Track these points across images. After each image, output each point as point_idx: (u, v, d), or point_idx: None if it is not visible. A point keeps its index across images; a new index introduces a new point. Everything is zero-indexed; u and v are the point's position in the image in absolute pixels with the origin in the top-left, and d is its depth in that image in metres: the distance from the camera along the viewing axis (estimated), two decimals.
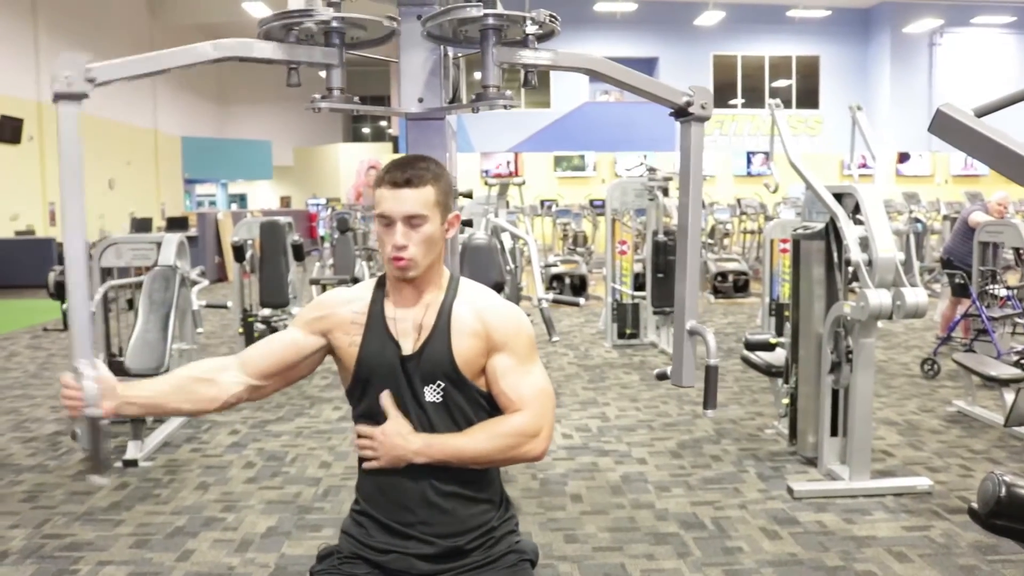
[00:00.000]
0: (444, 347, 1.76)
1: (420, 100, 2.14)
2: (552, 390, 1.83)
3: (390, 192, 1.72)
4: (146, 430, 4.87)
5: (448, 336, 1.76)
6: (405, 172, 1.72)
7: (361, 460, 1.82)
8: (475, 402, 1.79)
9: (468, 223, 4.05)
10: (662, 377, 2.49)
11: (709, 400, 2.29)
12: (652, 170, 8.28)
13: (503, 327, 1.79)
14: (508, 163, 20.82)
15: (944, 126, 2.01)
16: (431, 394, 1.76)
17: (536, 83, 1.93)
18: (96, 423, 1.76)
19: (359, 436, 1.78)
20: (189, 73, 25.84)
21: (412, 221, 1.72)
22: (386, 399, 1.75)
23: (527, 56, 1.89)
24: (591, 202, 16.79)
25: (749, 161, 21.65)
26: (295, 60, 2.04)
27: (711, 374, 2.26)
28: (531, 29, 1.89)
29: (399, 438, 1.72)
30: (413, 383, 1.76)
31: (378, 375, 1.78)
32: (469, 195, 5.58)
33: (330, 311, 1.85)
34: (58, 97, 1.88)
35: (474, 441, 1.74)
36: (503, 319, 1.80)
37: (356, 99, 1.95)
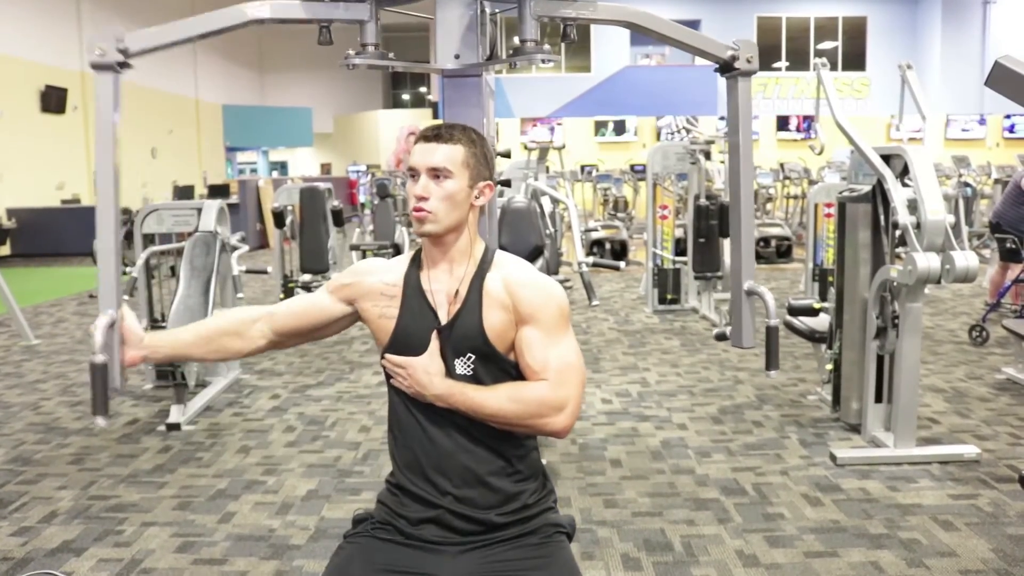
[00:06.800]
0: (475, 319, 1.72)
1: (456, 56, 2.10)
2: (582, 366, 1.77)
3: (418, 146, 1.73)
4: (188, 395, 4.92)
5: (480, 308, 1.73)
6: (437, 129, 1.73)
7: (394, 430, 1.82)
8: (507, 374, 1.76)
9: (506, 183, 4.00)
10: (721, 338, 2.44)
11: (771, 361, 2.24)
12: (692, 131, 8.17)
13: (530, 299, 1.74)
14: (552, 129, 20.69)
15: (1002, 78, 1.93)
16: (461, 367, 1.73)
17: (575, 37, 1.88)
18: (100, 368, 1.88)
19: (391, 362, 1.76)
20: (229, 41, 25.95)
21: (436, 174, 1.70)
22: (433, 339, 1.74)
23: (565, 9, 1.83)
24: (632, 167, 16.64)
25: (780, 126, 21.31)
26: (327, 18, 2.01)
27: (772, 335, 2.20)
28: None
29: (424, 376, 1.71)
30: (445, 355, 1.74)
31: (414, 345, 1.75)
32: (507, 155, 5.53)
33: (357, 280, 1.85)
34: (94, 67, 1.93)
35: (496, 399, 1.70)
36: (531, 291, 1.75)
37: (391, 55, 1.91)
